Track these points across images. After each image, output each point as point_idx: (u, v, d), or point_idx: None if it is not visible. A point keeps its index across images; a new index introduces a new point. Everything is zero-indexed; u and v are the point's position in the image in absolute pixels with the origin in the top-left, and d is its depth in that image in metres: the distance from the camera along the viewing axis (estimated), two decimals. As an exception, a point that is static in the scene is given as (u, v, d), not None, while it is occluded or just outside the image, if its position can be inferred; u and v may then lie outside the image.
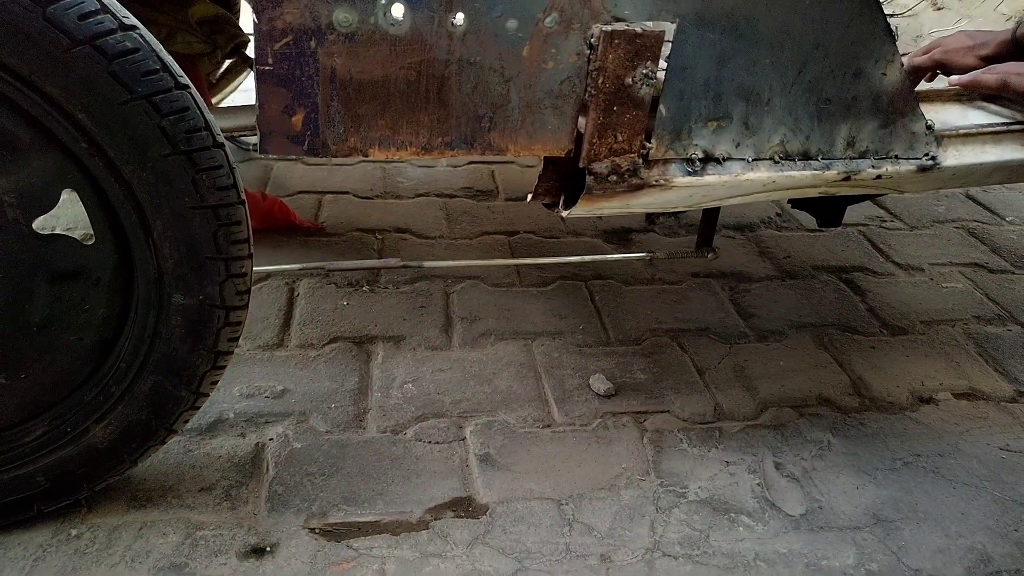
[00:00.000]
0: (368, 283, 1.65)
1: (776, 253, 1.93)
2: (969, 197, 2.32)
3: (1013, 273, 1.93)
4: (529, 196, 1.07)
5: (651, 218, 2.01)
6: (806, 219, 2.07)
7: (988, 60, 1.30)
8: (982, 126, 1.19)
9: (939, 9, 1.81)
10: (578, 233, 1.93)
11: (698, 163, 1.03)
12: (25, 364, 0.94)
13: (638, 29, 0.90)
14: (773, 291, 1.76)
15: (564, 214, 1.05)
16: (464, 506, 1.13)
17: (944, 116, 1.21)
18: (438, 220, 1.95)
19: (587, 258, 1.71)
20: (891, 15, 1.89)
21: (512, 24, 0.88)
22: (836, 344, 1.58)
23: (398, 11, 0.84)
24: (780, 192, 1.13)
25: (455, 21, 0.86)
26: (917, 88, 1.08)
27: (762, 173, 1.06)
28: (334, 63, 0.85)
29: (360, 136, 0.90)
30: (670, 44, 0.94)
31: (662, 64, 0.94)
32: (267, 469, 1.16)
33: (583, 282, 1.72)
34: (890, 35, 1.03)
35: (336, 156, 0.91)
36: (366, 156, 0.92)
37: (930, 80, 1.40)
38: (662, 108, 0.98)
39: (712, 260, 1.51)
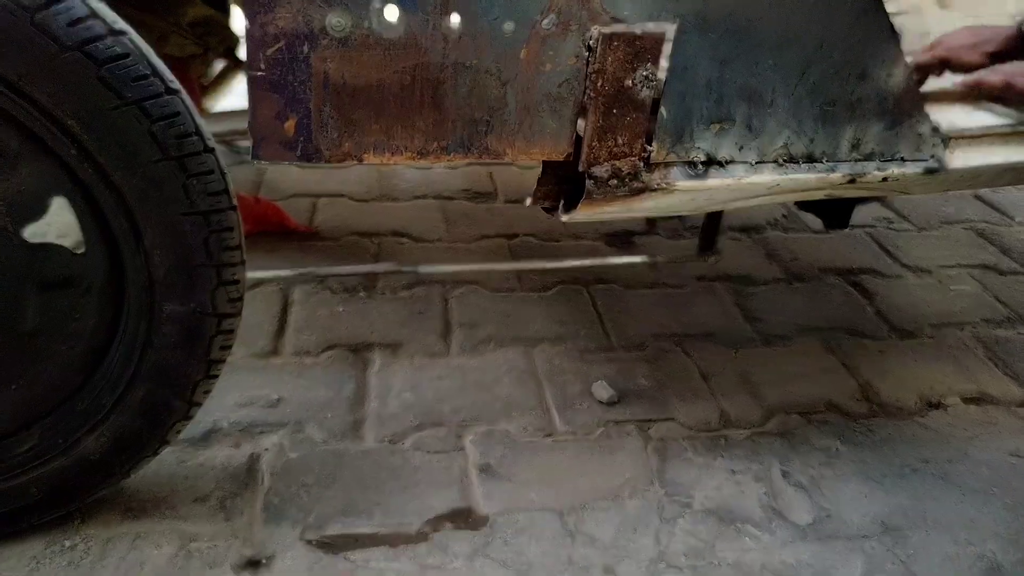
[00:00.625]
0: (365, 289, 1.63)
1: (782, 255, 1.91)
2: (978, 197, 2.30)
3: (1023, 275, 1.91)
4: (528, 200, 1.06)
5: (651, 221, 1.99)
6: (813, 221, 2.05)
7: (994, 56, 1.29)
8: (989, 127, 1.18)
9: (945, 7, 1.79)
10: (579, 236, 1.92)
11: (700, 166, 1.01)
12: (15, 374, 0.93)
13: (638, 30, 0.88)
14: (779, 294, 1.74)
15: (564, 218, 1.04)
16: (464, 517, 1.11)
17: (951, 117, 1.19)
18: (436, 223, 1.93)
19: (587, 262, 1.70)
20: (896, 13, 1.87)
21: (509, 26, 0.86)
22: (844, 348, 1.56)
23: (392, 14, 0.82)
24: (785, 195, 1.12)
25: (450, 24, 0.84)
26: (923, 88, 1.07)
27: (766, 176, 1.04)
28: (327, 68, 0.84)
29: (354, 141, 0.88)
30: (671, 45, 0.92)
31: (663, 65, 0.92)
32: (262, 480, 1.14)
33: (585, 286, 1.70)
34: (895, 36, 1.01)
35: (330, 162, 0.89)
36: (360, 161, 0.90)
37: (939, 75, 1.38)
38: (663, 110, 0.96)
39: (715, 264, 1.49)
